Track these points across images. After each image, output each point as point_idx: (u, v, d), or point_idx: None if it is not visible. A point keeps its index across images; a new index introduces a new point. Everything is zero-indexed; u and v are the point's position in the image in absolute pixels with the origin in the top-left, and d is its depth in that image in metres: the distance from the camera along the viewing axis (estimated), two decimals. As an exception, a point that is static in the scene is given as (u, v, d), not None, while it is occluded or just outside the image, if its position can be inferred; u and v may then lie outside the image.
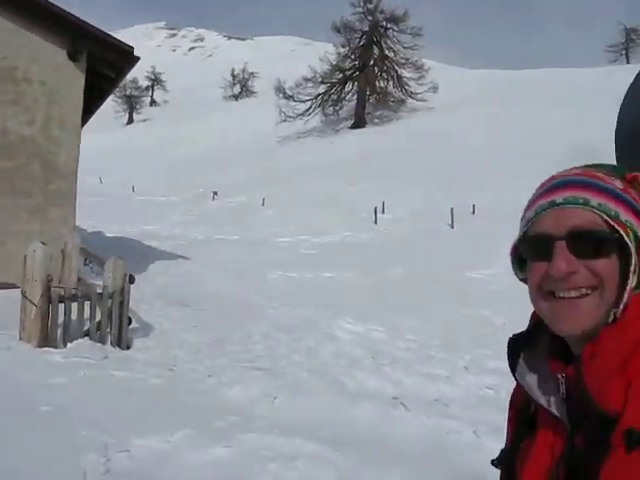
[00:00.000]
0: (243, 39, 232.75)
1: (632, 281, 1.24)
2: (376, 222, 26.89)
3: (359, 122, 60.76)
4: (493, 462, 1.46)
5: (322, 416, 6.40)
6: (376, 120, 61.37)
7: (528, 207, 1.37)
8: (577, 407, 1.27)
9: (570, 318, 1.25)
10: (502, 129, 43.39)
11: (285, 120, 60.70)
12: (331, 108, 63.95)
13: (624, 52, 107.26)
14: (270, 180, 38.29)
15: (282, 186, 35.69)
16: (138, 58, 13.68)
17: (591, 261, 1.24)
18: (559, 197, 1.30)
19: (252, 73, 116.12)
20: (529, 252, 1.33)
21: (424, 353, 9.43)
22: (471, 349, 9.40)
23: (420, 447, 5.74)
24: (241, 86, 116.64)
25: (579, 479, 1.22)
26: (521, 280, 1.41)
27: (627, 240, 1.24)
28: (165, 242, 21.29)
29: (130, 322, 8.93)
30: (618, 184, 1.31)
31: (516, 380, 1.38)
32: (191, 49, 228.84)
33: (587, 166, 1.38)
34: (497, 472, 1.46)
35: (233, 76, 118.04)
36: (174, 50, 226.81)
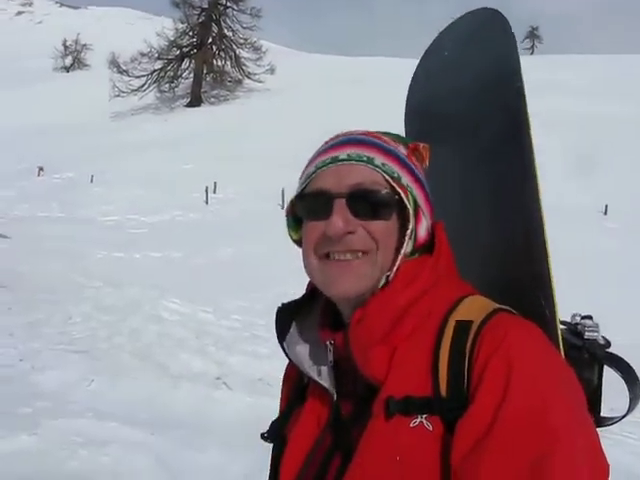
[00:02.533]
0: (76, 8, 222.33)
1: (407, 246, 1.23)
2: (207, 202, 26.64)
3: (195, 101, 59.82)
4: (263, 435, 1.42)
5: (142, 399, 6.28)
6: (212, 99, 60.65)
7: (309, 163, 1.33)
8: (344, 375, 1.24)
9: (343, 280, 1.21)
10: (336, 111, 44.22)
11: (119, 95, 58.62)
12: (167, 85, 62.43)
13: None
14: (101, 156, 36.89)
15: (113, 163, 34.47)
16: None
17: (370, 222, 1.20)
18: (343, 153, 1.25)
19: (85, 45, 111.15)
20: (306, 210, 1.27)
21: (249, 332, 9.48)
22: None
23: (239, 426, 5.74)
24: (73, 58, 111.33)
25: (343, 447, 1.20)
26: (295, 242, 1.36)
27: (407, 203, 1.22)
28: (-18, 219, 20.06)
29: None
30: (402, 150, 1.30)
31: (283, 350, 1.33)
32: (19, 13, 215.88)
33: (372, 131, 1.35)
34: None
35: (65, 46, 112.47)
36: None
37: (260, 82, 60.20)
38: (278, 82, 58.86)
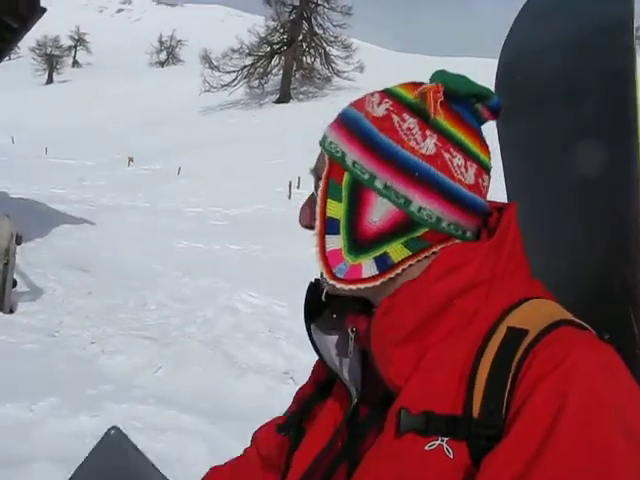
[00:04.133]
0: (173, 5, 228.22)
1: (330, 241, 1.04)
2: (290, 197, 26.72)
3: (284, 97, 60.37)
4: (279, 427, 1.27)
5: (205, 388, 6.24)
6: (301, 96, 61.08)
7: None
8: (369, 372, 1.05)
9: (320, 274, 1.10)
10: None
11: (209, 90, 59.80)
12: (256, 81, 63.29)
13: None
14: (189, 149, 37.63)
15: (200, 156, 35.12)
16: (44, 9, 13.09)
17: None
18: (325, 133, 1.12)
19: (180, 41, 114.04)
20: None
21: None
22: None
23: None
24: (168, 53, 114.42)
25: (351, 456, 1.02)
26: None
27: (319, 194, 1.06)
28: (73, 206, 20.59)
29: (15, 285, 8.53)
30: (381, 109, 1.03)
31: (309, 335, 1.14)
32: (119, 11, 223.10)
33: (400, 84, 1.11)
34: None
35: (160, 42, 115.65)
36: (101, 11, 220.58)
37: (349, 80, 60.22)
38: (367, 80, 58.76)
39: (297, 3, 65.48)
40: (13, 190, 22.32)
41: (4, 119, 38.45)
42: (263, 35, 64.58)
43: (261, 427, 1.45)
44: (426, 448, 0.89)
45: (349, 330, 1.06)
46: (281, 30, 65.30)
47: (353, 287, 1.02)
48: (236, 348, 7.88)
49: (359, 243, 1.01)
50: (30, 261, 9.47)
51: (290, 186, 27.23)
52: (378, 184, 0.99)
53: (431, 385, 0.93)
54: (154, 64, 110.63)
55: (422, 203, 0.97)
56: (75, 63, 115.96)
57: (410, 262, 0.99)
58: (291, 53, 63.27)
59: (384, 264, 1.00)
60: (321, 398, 1.19)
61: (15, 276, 8.52)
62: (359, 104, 1.07)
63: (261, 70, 63.78)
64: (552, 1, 1.55)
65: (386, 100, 1.04)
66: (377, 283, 1.00)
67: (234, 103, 59.90)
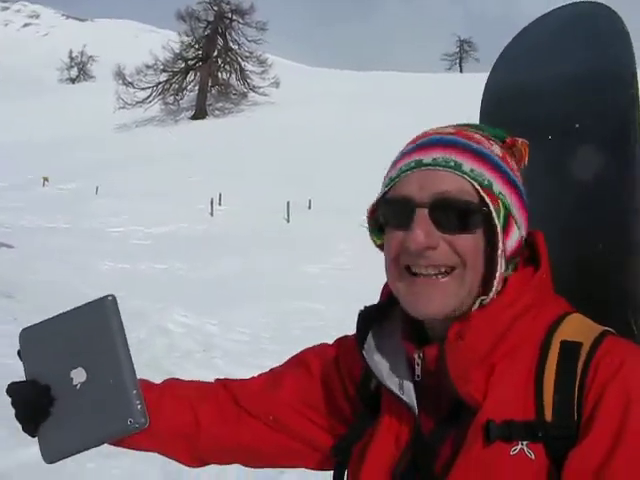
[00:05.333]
0: (83, 20, 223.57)
1: (501, 265, 1.11)
2: (212, 214, 26.67)
3: (200, 113, 60.09)
4: (334, 448, 1.32)
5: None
6: (217, 112, 60.92)
7: (393, 165, 1.20)
8: (430, 391, 1.16)
9: (427, 299, 1.11)
10: (343, 127, 44.34)
11: (124, 107, 58.95)
12: (172, 97, 62.77)
13: (458, 61, 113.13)
14: (105, 168, 37.01)
15: (117, 175, 34.58)
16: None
17: (454, 236, 1.09)
18: (428, 157, 1.12)
19: (91, 56, 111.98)
20: (387, 217, 1.16)
21: (256, 346, 9.44)
22: (304, 341, 9.49)
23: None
24: (79, 69, 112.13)
25: (425, 469, 1.13)
26: (378, 247, 1.24)
27: (494, 217, 1.09)
28: (-11, 229, 20.06)
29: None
30: (497, 150, 1.16)
31: (363, 358, 1.20)
32: (25, 25, 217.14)
33: (464, 125, 1.21)
34: None
35: (71, 58, 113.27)
36: (6, 25, 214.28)
37: (265, 95, 60.43)
38: (283, 95, 59.09)
39: (211, 19, 65.43)
40: None
41: None
42: (178, 51, 64.23)
43: (236, 381, 1.48)
44: (511, 453, 1.04)
45: (415, 356, 1.16)
46: (196, 46, 65.09)
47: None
48: (174, 368, 7.88)
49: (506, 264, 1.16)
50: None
51: (212, 203, 27.18)
52: (514, 213, 1.15)
53: (505, 397, 1.07)
54: (64, 80, 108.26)
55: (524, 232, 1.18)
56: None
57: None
58: (206, 69, 63.12)
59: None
60: (370, 419, 1.25)
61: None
62: (475, 139, 1.16)
63: (176, 86, 63.38)
64: (548, 37, 1.64)
65: (492, 141, 1.18)
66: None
67: (150, 120, 59.26)
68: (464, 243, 1.09)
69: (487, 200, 1.09)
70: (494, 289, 1.10)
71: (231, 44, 65.59)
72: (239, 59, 64.62)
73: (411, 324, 1.20)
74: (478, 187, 1.09)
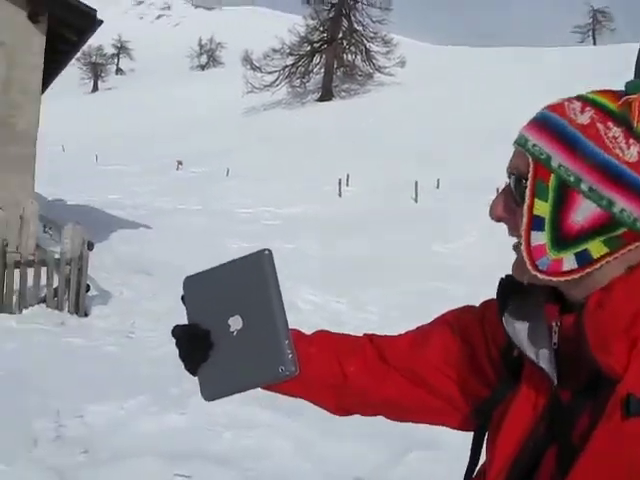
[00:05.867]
0: (211, 8, 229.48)
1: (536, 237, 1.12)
2: (340, 195, 26.85)
3: (326, 95, 60.47)
4: (474, 412, 1.34)
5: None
6: (343, 93, 61.12)
7: None
8: (569, 360, 1.14)
9: (514, 267, 1.17)
10: (470, 106, 43.52)
11: (252, 91, 60.13)
12: (298, 80, 63.47)
13: (591, 33, 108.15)
14: (235, 151, 37.98)
15: (247, 157, 35.43)
16: (101, 21, 13.38)
17: (517, 209, 1.14)
18: (520, 133, 1.17)
19: (219, 43, 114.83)
20: None
21: (385, 325, 9.46)
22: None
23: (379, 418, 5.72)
24: (208, 56, 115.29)
25: (561, 439, 1.11)
26: None
27: (528, 190, 1.11)
28: (128, 211, 21.02)
29: (88, 289, 8.81)
30: (583, 118, 1.11)
31: (502, 326, 1.21)
32: (158, 17, 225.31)
33: (593, 91, 1.17)
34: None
35: (200, 46, 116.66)
36: (141, 18, 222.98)
37: (390, 75, 60.07)
38: (408, 75, 58.60)
39: (336, 1, 65.51)
40: (69, 198, 22.84)
41: (54, 128, 39.13)
42: (303, 34, 64.72)
43: (383, 337, 1.50)
44: None
45: (553, 323, 1.17)
46: (321, 28, 65.36)
47: (553, 279, 1.12)
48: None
49: (562, 240, 1.11)
50: (95, 266, 9.72)
51: (340, 184, 27.35)
52: (584, 186, 1.09)
53: None
54: (195, 68, 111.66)
55: (624, 205, 1.08)
56: (119, 70, 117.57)
57: (608, 259, 1.10)
58: (332, 51, 63.35)
59: (584, 259, 1.10)
60: (510, 385, 1.25)
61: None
62: (559, 110, 1.14)
63: (303, 69, 63.94)
64: None
65: (588, 108, 1.11)
66: (576, 276, 1.11)
67: (277, 103, 60.19)
68: (519, 217, 1.12)
69: (530, 174, 1.11)
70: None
71: (356, 25, 65.48)
72: (364, 40, 64.44)
73: (552, 292, 1.20)
74: (531, 162, 1.11)
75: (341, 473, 4.49)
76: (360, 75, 62.99)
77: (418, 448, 4.87)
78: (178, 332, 1.23)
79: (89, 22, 13.27)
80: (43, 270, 8.34)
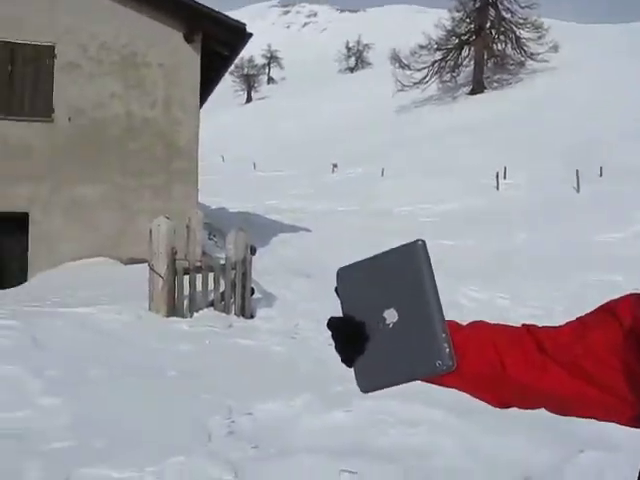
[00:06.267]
0: (355, 11, 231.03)
1: None
2: (498, 188, 26.27)
3: (477, 87, 59.32)
4: None
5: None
6: (495, 84, 59.69)
7: None
8: None
9: None
10: (630, 87, 41.24)
11: (402, 89, 60.00)
12: (448, 75, 62.65)
13: None
14: (389, 150, 38.06)
15: (401, 155, 35.41)
16: (250, 34, 13.87)
17: None
18: None
19: (367, 45, 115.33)
20: None
21: (548, 320, 9.16)
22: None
23: (548, 419, 5.55)
24: (356, 58, 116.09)
25: None
26: None
27: None
28: (286, 215, 21.59)
29: (253, 292, 9.13)
30: None
31: None
32: (305, 25, 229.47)
33: None
34: None
35: (348, 49, 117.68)
36: (288, 27, 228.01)
37: (544, 61, 58.01)
38: (563, 59, 56.38)
39: (481, -10, 64.11)
40: (231, 205, 23.76)
41: (213, 140, 40.89)
42: (450, 28, 63.79)
43: (542, 328, 1.44)
44: None
45: None
46: (467, 20, 64.10)
47: None
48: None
49: None
50: (257, 269, 10.04)
51: (497, 177, 26.76)
52: None
53: None
54: (344, 71, 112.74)
55: None
56: (270, 80, 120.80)
57: None
58: (480, 42, 62.02)
59: None
60: None
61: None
62: None
63: (452, 63, 63.04)
64: None
65: None
66: None
67: (428, 99, 59.71)
68: None
69: None
70: None
71: (504, 13, 63.68)
72: (513, 27, 62.59)
73: None
74: None
75: (510, 473, 4.39)
76: (511, 64, 61.26)
77: (590, 447, 4.68)
78: (334, 324, 1.24)
79: (240, 36, 13.80)
80: (210, 275, 8.73)
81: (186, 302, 8.52)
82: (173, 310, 8.28)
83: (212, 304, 8.67)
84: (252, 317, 8.77)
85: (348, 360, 1.25)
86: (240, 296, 8.76)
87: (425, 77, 61.42)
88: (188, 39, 13.75)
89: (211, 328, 7.71)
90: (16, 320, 7.26)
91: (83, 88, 13.43)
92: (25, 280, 12.69)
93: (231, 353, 6.79)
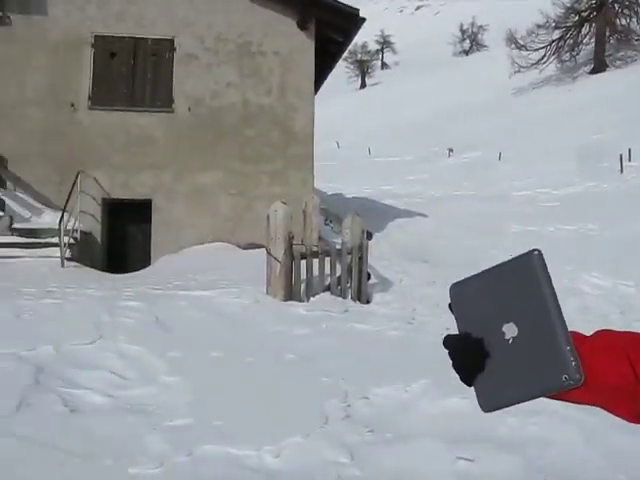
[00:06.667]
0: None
1: None
2: (622, 171, 25.13)
3: (599, 66, 56.86)
4: None
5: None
6: (618, 62, 57.01)
7: None
8: None
9: None
10: None
11: (518, 71, 58.31)
12: (567, 54, 60.37)
13: None
14: (506, 133, 37.15)
15: (519, 139, 34.48)
16: (364, 19, 13.85)
17: None
18: None
19: (481, 26, 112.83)
20: None
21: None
22: None
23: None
24: (471, 41, 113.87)
25: None
26: None
27: None
28: (402, 200, 21.45)
29: (369, 277, 9.13)
30: None
31: None
32: (418, 8, 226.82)
33: None
34: None
35: (462, 31, 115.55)
36: (401, 11, 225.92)
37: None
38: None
39: (603, -37, 61.35)
40: (346, 190, 23.85)
41: (328, 126, 41.15)
42: (569, 4, 61.41)
43: None
44: None
45: None
46: (588, -5, 61.60)
47: None
48: (589, 331, 7.62)
49: None
50: (373, 254, 10.02)
51: (621, 159, 25.62)
52: None
53: None
54: (458, 54, 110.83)
55: None
56: (383, 65, 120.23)
57: None
58: (602, 18, 59.38)
59: None
60: None
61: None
62: None
63: (571, 41, 60.71)
64: None
65: None
66: None
67: (546, 80, 57.84)
68: None
69: None
70: None
71: (628, -15, 60.82)
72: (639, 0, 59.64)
73: None
74: None
75: (636, 473, 4.20)
76: (637, 39, 58.39)
77: None
78: (451, 342, 1.20)
79: (353, 22, 13.80)
80: (326, 260, 8.78)
81: (303, 286, 8.61)
82: (290, 294, 8.38)
83: (328, 288, 8.72)
84: (368, 302, 8.77)
85: (467, 379, 1.20)
86: (356, 281, 8.78)
87: (543, 57, 59.45)
88: (302, 26, 13.87)
89: (327, 312, 7.75)
90: (141, 302, 7.55)
91: (201, 78, 13.79)
92: (148, 264, 13.19)
93: (347, 337, 6.81)
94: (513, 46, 60.60)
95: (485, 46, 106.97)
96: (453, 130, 42.96)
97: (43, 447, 3.93)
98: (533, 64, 58.40)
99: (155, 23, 13.79)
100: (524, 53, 59.55)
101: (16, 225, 12.24)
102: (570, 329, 1.11)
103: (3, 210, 12.32)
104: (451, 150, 36.05)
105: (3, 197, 12.51)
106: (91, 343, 6.00)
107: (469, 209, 18.85)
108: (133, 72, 13.69)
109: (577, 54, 60.26)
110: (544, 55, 59.58)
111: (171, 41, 13.79)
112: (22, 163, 13.14)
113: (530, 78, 57.82)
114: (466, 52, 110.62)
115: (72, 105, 13.55)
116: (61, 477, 3.63)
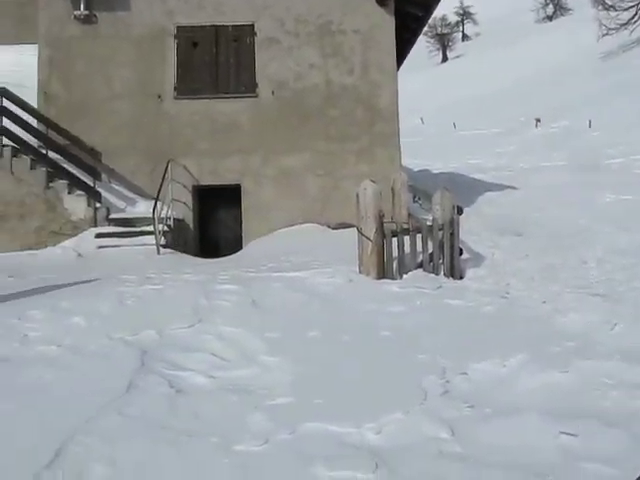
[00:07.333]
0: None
1: None
2: None
3: (695, 23, 54.30)
4: None
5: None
6: None
7: None
8: None
9: None
10: None
11: (607, 33, 56.09)
12: (662, 12, 57.82)
13: None
14: (595, 100, 35.95)
15: (609, 105, 33.32)
16: (444, -7, 13.65)
17: None
18: None
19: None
20: None
21: None
22: None
23: None
24: (554, 5, 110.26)
25: None
26: None
27: None
28: (491, 173, 21.14)
29: (461, 253, 9.05)
30: None
31: None
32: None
33: None
34: None
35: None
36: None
37: None
38: None
39: None
40: (433, 166, 23.64)
41: (411, 103, 40.77)
42: (663, -42, 58.66)
43: None
44: None
45: None
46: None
47: None
48: None
49: None
50: (464, 229, 9.92)
51: None
52: None
53: None
54: (542, 20, 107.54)
55: None
56: (464, 37, 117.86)
57: None
58: (699, -29, 56.51)
59: None
60: None
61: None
62: None
63: (664, -2, 58.05)
64: None
65: None
66: None
67: (637, 41, 55.51)
68: None
69: None
70: None
71: None
72: None
73: None
74: None
75: None
76: None
77: None
78: None
79: (434, -5, 13.63)
80: (418, 237, 8.76)
81: (395, 264, 8.61)
82: (383, 272, 8.39)
83: (421, 265, 8.70)
84: (461, 277, 8.70)
85: None
86: (449, 257, 8.72)
87: (633, 17, 57.00)
88: (381, 2, 13.79)
89: (421, 289, 7.73)
90: (236, 285, 7.71)
91: (283, 61, 13.90)
92: (240, 248, 13.46)
93: (442, 313, 6.79)
94: (600, 7, 58.27)
95: (569, 9, 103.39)
96: (539, 99, 41.86)
97: (154, 426, 4.11)
98: (622, 24, 56.00)
99: (234, 9, 13.96)
100: (612, 14, 57.18)
101: (112, 215, 12.73)
102: None
103: (100, 202, 12.79)
104: (538, 120, 35.18)
105: (99, 189, 12.98)
106: (191, 326, 6.19)
107: (560, 180, 18.40)
108: (216, 60, 13.92)
109: (671, 11, 57.56)
110: (635, 14, 57.05)
111: (251, 26, 13.94)
112: (114, 155, 13.57)
113: (619, 40, 55.54)
114: (549, 18, 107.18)
115: (159, 96, 13.89)
116: (173, 453, 3.79)
